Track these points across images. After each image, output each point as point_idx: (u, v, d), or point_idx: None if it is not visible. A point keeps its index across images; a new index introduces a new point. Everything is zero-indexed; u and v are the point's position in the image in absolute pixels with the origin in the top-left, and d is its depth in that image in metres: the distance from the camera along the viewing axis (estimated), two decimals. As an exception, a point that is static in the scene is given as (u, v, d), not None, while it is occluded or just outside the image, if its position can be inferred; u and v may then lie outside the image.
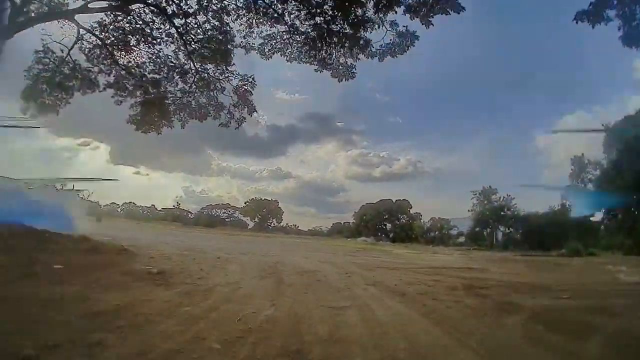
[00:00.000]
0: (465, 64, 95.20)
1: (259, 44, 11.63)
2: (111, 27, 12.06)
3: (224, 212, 77.73)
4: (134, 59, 12.22)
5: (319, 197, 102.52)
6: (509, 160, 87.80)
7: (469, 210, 55.45)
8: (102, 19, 11.54)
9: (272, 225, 73.85)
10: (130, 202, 78.51)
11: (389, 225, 72.28)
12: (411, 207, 71.11)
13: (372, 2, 9.47)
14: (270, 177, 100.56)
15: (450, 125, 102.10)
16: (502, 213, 54.77)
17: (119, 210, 73.99)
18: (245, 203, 75.81)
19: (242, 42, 11.50)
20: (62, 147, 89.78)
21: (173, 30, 11.87)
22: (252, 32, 11.49)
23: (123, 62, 12.22)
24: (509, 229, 56.06)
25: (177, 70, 11.63)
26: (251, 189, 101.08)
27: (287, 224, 78.56)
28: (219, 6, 10.98)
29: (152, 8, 11.09)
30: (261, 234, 53.39)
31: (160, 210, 79.55)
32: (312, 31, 10.35)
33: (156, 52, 11.98)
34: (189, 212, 79.52)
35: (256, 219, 73.42)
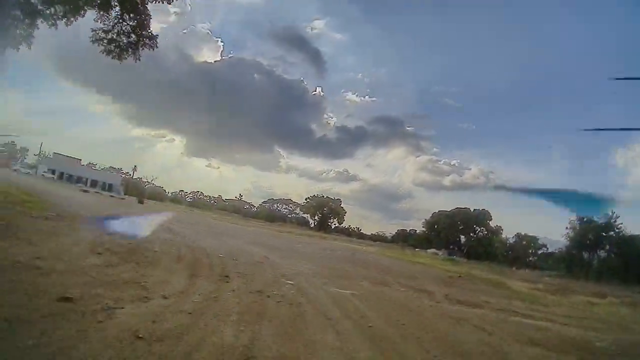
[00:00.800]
0: (544, 72, 79.35)
1: None
2: None
3: (285, 208, 74.24)
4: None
5: (384, 202, 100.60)
6: (586, 175, 71.05)
7: (566, 228, 43.08)
8: None
9: (334, 225, 67.52)
10: (198, 192, 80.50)
11: (462, 238, 61.21)
12: (491, 219, 58.32)
13: None
14: (336, 179, 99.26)
15: (526, 135, 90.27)
16: (604, 234, 41.34)
17: (186, 198, 75.60)
18: (306, 200, 70.87)
19: None
20: (137, 138, 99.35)
21: None
22: None
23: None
24: (609, 254, 42.40)
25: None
26: (317, 188, 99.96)
27: (349, 225, 72.27)
28: None
29: None
30: (319, 234, 47.24)
31: (225, 201, 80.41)
32: None
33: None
34: (252, 205, 78.80)
35: (317, 217, 67.76)
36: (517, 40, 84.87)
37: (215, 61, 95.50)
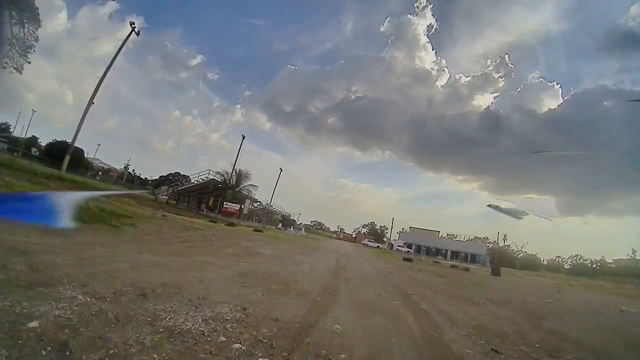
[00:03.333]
0: None
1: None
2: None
3: None
4: None
5: None
6: None
7: None
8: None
9: None
10: (577, 255, 76.13)
11: None
12: None
13: None
14: None
15: None
16: None
17: (564, 264, 74.39)
18: None
19: None
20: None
21: None
22: None
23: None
24: None
25: None
26: None
27: None
28: None
29: None
30: None
31: (610, 263, 70.35)
32: None
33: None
34: (652, 265, 62.74)
35: None
36: None
37: (558, 105, 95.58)
